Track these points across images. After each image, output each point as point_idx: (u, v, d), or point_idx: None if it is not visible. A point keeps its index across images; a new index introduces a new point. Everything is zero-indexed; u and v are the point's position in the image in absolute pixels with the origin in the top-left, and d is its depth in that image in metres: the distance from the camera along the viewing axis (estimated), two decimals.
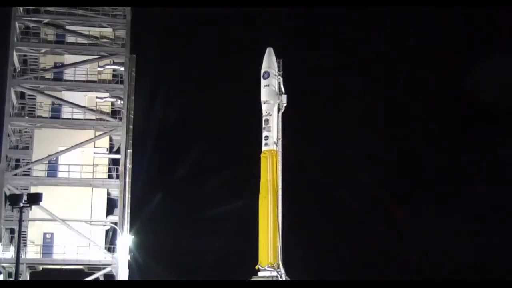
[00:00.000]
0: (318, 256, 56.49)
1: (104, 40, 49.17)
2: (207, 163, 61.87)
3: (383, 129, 67.66)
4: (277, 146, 40.64)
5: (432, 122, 69.67)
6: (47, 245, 45.50)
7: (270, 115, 41.06)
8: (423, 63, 71.06)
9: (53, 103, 48.03)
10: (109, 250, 46.00)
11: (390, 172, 65.05)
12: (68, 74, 48.18)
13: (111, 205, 47.70)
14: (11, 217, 46.09)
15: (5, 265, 44.97)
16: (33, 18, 48.02)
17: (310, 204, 59.87)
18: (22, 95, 48.90)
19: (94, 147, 47.68)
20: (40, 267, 46.33)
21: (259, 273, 38.75)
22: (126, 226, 46.16)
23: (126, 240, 45.80)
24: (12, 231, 47.12)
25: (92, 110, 47.97)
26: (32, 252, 45.25)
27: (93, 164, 47.23)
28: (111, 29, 49.23)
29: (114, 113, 48.43)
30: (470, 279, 45.78)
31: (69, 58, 48.42)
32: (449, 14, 68.33)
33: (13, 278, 42.17)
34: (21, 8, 47.59)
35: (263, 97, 41.33)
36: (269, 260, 38.61)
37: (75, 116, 47.74)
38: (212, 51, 67.55)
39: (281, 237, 39.27)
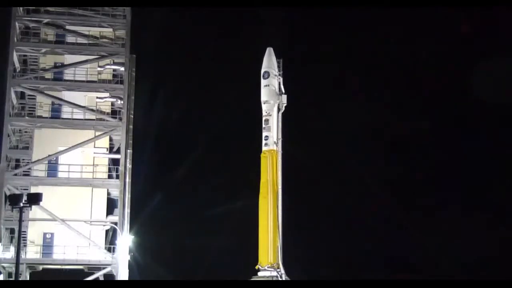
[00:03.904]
0: (318, 256, 56.52)
1: (104, 40, 49.18)
2: (207, 163, 61.90)
3: (383, 129, 67.75)
4: (277, 146, 40.61)
5: (433, 122, 69.76)
6: (47, 245, 45.50)
7: (270, 115, 41.01)
8: (423, 63, 71.18)
9: (53, 103, 48.04)
10: (109, 250, 46.00)
11: (390, 172, 65.09)
12: (68, 74, 48.20)
13: (111, 205, 47.71)
14: (11, 217, 46.08)
15: (5, 265, 44.98)
16: (33, 18, 48.02)
17: (310, 204, 59.88)
18: (22, 95, 48.90)
19: (94, 147, 47.69)
20: (40, 267, 46.34)
21: (259, 273, 38.72)
22: (126, 226, 46.18)
23: (126, 240, 45.82)
24: (12, 231, 47.14)
25: (92, 110, 47.98)
26: (32, 252, 45.24)
27: (93, 164, 47.23)
28: (111, 29, 49.24)
29: (114, 113, 48.42)
30: (470, 279, 45.83)
31: (69, 58, 48.43)
32: (448, 14, 68.40)
33: (13, 278, 42.18)
34: (21, 8, 47.58)
35: (263, 97, 41.29)
36: (269, 260, 38.58)
37: (75, 116, 47.76)
38: (212, 51, 67.59)
39: (281, 237, 39.27)
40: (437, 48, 70.13)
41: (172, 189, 58.11)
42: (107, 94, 48.41)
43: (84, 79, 48.17)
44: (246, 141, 48.98)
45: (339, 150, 62.83)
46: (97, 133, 47.80)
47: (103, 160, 47.84)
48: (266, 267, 38.57)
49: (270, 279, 38.15)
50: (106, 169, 47.70)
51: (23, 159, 48.53)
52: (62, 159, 46.95)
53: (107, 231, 47.37)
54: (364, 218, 60.10)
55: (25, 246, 44.65)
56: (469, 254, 58.19)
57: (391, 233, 59.56)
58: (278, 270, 38.44)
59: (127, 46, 48.54)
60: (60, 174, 46.88)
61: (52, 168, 47.01)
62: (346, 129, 64.90)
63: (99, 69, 48.51)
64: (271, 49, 42.09)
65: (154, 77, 58.80)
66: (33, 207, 36.62)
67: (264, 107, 41.19)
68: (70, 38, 48.90)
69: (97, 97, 48.35)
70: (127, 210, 46.53)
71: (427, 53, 70.57)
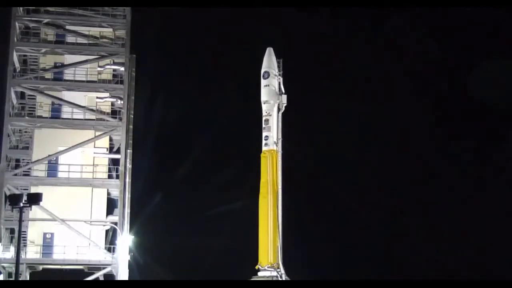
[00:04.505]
0: (318, 256, 56.51)
1: (104, 40, 49.19)
2: (207, 163, 61.92)
3: (383, 129, 67.75)
4: (277, 146, 40.62)
5: (433, 122, 69.81)
6: (47, 245, 45.50)
7: (270, 115, 41.02)
8: (423, 63, 71.22)
9: (53, 103, 48.04)
10: (109, 250, 46.00)
11: (390, 172, 65.13)
12: (68, 74, 48.20)
13: (111, 205, 47.71)
14: (11, 217, 46.08)
15: (5, 265, 44.97)
16: (33, 18, 48.02)
17: (310, 204, 59.89)
18: (22, 95, 48.91)
19: (94, 147, 47.68)
20: (40, 267, 46.34)
21: (259, 273, 38.73)
22: (126, 226, 46.15)
23: (126, 240, 45.80)
24: (12, 231, 47.13)
25: (92, 110, 47.98)
26: (32, 252, 45.24)
27: (93, 164, 47.22)
28: (111, 29, 49.24)
29: (114, 113, 48.43)
30: (470, 279, 45.84)
31: (69, 58, 48.43)
32: (448, 14, 68.46)
33: (13, 278, 42.18)
34: (21, 8, 47.58)
35: (263, 97, 41.29)
36: (269, 260, 38.59)
37: (75, 116, 47.75)
38: (212, 51, 67.61)
39: (281, 237, 39.27)
40: (437, 48, 70.21)
41: (172, 189, 58.18)
42: (107, 94, 48.41)
43: (84, 79, 48.17)
44: (246, 141, 49.00)
45: (339, 150, 62.86)
46: (97, 133, 47.80)
47: (103, 160, 47.83)
48: (266, 267, 38.58)
49: (270, 279, 38.16)
50: (106, 169, 47.69)
51: (23, 159, 48.52)
52: (62, 159, 46.94)
53: (107, 231, 47.37)
54: (364, 218, 60.11)
55: (25, 246, 44.64)
56: (469, 254, 58.24)
57: (391, 233, 59.59)
58: (278, 270, 38.45)
59: (127, 46, 48.53)
60: (60, 174, 46.87)
61: (52, 168, 47.00)
62: (346, 129, 64.96)
63: (99, 69, 48.50)
64: (271, 49, 42.09)
65: (154, 77, 58.86)
66: (33, 207, 36.65)
67: (264, 107, 41.20)
68: (70, 38, 48.90)
69: (97, 97, 48.35)
70: (127, 210, 46.50)
71: (427, 53, 70.65)
